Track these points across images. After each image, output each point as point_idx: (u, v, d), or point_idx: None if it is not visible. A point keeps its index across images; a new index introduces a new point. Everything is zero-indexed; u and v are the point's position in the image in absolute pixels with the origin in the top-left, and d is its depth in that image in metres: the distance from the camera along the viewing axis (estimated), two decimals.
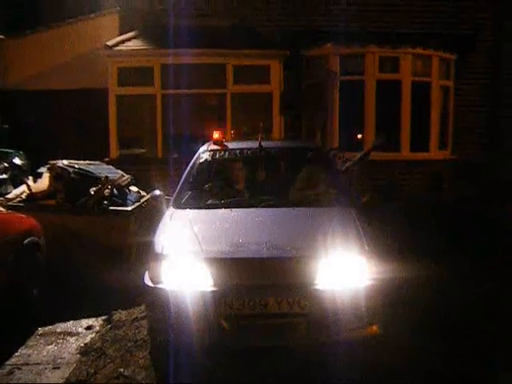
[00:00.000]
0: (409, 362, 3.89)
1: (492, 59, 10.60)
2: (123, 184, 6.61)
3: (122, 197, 6.39)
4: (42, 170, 6.92)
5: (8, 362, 4.15)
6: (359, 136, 9.74)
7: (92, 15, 12.07)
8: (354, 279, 3.75)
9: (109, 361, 4.09)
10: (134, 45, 9.37)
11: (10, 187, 7.99)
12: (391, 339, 4.03)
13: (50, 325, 4.92)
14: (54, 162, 6.53)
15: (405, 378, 3.73)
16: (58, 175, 6.34)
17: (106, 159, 8.67)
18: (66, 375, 3.94)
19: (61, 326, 4.92)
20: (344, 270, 3.76)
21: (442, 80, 10.07)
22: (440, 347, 4.15)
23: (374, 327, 3.78)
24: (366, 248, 3.89)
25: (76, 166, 6.54)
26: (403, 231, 6.73)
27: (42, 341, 4.61)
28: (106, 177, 6.42)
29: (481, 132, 10.60)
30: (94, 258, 5.72)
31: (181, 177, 5.25)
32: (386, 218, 6.66)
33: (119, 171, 7.08)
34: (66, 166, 6.44)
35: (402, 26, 10.03)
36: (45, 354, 4.34)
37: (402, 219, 7.32)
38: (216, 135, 5.59)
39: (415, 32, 9.98)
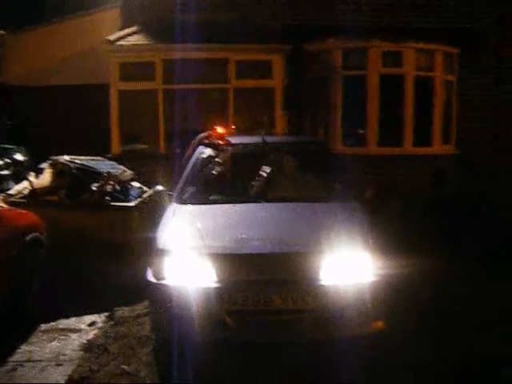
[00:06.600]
0: (412, 358, 3.87)
1: (496, 54, 10.52)
2: (125, 179, 6.59)
3: (124, 192, 6.37)
4: (44, 165, 6.89)
5: (11, 359, 4.12)
6: (361, 131, 9.69)
7: (93, 10, 12.01)
8: (358, 275, 3.73)
9: (112, 357, 4.08)
10: (136, 40, 9.34)
11: (11, 183, 7.98)
12: (395, 335, 4.01)
13: (52, 321, 4.88)
14: (56, 157, 6.52)
15: (408, 374, 3.71)
16: (59, 171, 6.33)
17: (109, 155, 8.63)
18: (69, 372, 3.91)
19: (63, 323, 4.88)
20: (348, 266, 3.74)
21: (446, 74, 9.99)
22: (442, 343, 4.13)
23: (379, 323, 3.77)
24: (371, 243, 3.87)
25: (78, 161, 6.53)
26: (406, 227, 6.71)
27: (44, 337, 4.57)
28: (108, 172, 6.40)
29: (484, 127, 10.53)
30: (97, 254, 5.70)
31: (183, 172, 5.21)
32: (389, 214, 6.64)
33: (121, 167, 7.06)
34: (68, 161, 6.42)
35: (405, 21, 9.97)
36: (47, 350, 4.31)
37: (405, 215, 7.30)
38: (219, 130, 5.56)
39: (418, 26, 9.92)
